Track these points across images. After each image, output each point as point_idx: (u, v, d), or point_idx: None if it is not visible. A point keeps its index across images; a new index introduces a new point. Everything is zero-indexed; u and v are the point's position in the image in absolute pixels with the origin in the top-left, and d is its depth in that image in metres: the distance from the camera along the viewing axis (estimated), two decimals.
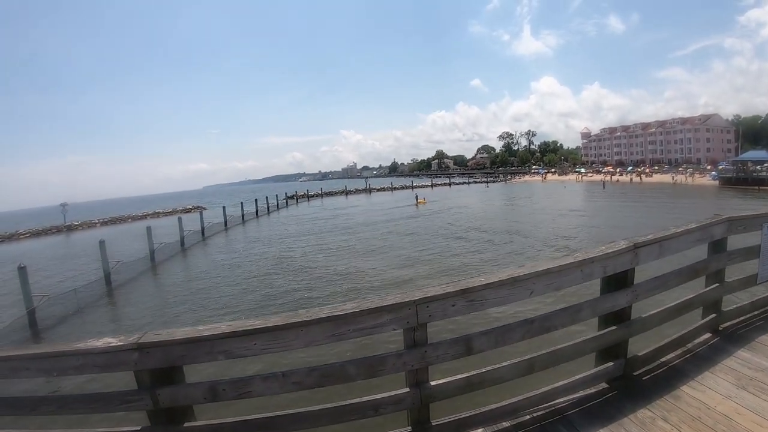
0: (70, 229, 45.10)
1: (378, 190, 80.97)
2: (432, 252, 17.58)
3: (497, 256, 16.06)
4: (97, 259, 16.31)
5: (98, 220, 51.31)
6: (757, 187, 41.18)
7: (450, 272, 13.71)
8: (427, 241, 20.50)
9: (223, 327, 2.04)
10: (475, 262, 15.04)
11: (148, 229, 20.63)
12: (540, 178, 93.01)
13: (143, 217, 54.71)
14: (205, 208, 53.90)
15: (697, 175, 59.41)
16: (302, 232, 27.67)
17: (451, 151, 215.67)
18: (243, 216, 37.46)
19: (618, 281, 2.77)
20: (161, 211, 61.29)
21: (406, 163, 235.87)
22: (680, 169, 70.44)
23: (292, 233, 27.30)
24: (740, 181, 45.46)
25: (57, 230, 44.43)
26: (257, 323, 2.05)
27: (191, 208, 61.08)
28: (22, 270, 11.75)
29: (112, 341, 2.01)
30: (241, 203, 40.15)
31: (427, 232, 23.79)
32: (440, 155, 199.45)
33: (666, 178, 63.30)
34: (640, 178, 67.42)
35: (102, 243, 16.07)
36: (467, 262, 15.13)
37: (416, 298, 2.16)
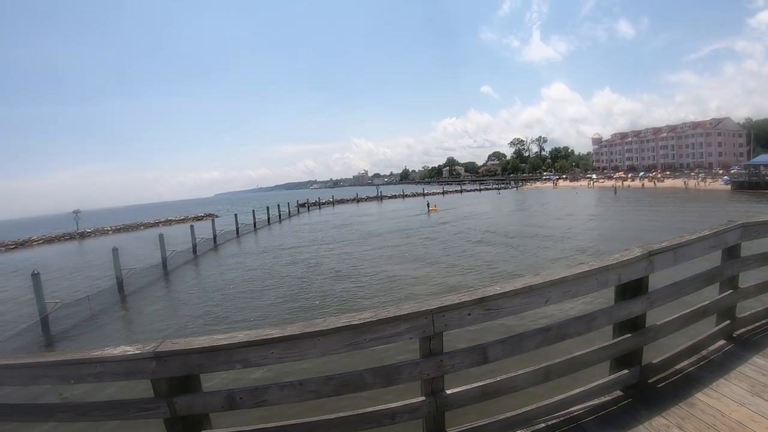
0: (82, 236, 45.69)
1: (389, 197, 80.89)
2: (466, 260, 17.07)
3: (532, 264, 15.58)
4: (110, 267, 16.45)
5: (110, 227, 51.95)
6: None
7: (492, 279, 13.29)
8: (457, 248, 20.02)
9: (241, 336, 2.05)
10: (515, 269, 14.72)
11: (161, 236, 20.79)
12: (551, 184, 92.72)
13: (155, 224, 55.29)
14: (217, 216, 54.27)
15: (709, 180, 58.68)
16: (317, 240, 27.29)
17: (462, 158, 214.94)
18: (255, 224, 37.61)
19: (633, 289, 2.75)
20: (173, 218, 61.97)
21: (417, 171, 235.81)
22: (692, 174, 69.66)
23: (305, 242, 26.92)
24: (753, 185, 44.83)
25: (70, 237, 45.13)
26: (274, 332, 2.05)
27: (203, 216, 61.60)
28: (35, 276, 11.86)
29: (129, 349, 2.02)
30: (253, 211, 40.34)
31: (451, 239, 23.36)
32: (451, 162, 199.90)
33: (678, 183, 62.77)
34: (654, 183, 67.00)
35: (115, 250, 16.23)
36: (508, 269, 14.80)
37: (432, 308, 2.16)
